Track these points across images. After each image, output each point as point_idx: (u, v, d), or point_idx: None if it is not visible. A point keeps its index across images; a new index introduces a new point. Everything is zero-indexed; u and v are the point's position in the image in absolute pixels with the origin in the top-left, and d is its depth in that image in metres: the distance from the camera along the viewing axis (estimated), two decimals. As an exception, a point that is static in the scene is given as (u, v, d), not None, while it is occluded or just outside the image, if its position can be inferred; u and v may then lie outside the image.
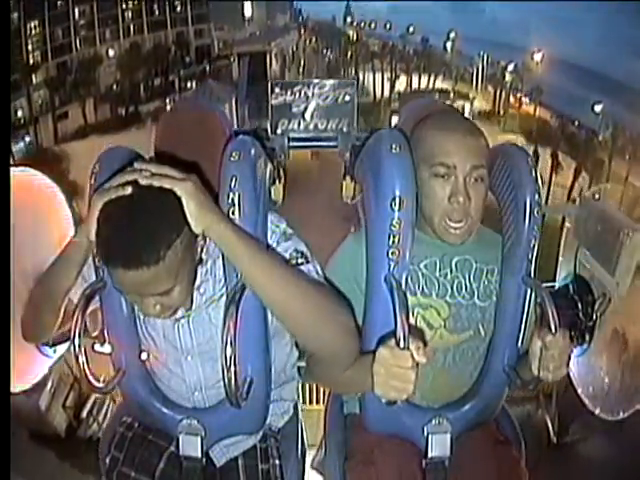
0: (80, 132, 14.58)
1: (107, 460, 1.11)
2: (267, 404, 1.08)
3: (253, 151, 0.98)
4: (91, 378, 0.98)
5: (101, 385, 1.02)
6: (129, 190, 0.82)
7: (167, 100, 16.38)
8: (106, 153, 1.02)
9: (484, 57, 19.05)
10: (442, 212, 1.03)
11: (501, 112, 18.36)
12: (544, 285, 1.04)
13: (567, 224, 1.58)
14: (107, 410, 2.16)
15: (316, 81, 1.36)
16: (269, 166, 1.11)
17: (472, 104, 18.71)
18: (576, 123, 15.10)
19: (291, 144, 1.38)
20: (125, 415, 1.17)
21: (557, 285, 1.58)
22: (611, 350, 1.37)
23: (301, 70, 20.17)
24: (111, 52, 16.92)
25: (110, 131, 14.36)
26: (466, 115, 18.11)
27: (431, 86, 20.20)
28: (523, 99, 18.00)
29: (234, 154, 0.95)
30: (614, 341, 1.37)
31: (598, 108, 14.78)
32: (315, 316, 0.90)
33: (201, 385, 1.07)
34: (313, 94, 1.36)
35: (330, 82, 1.37)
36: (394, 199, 0.97)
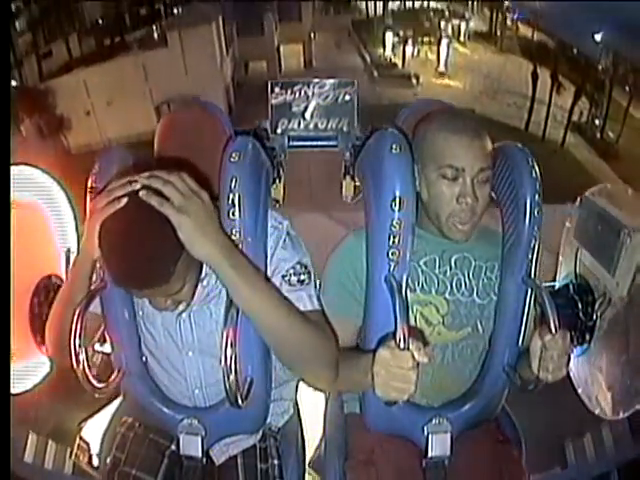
0: (65, 67, 14.06)
1: (108, 461, 1.11)
2: (267, 404, 1.09)
3: (253, 152, 0.98)
4: (91, 378, 0.98)
5: (101, 385, 1.03)
6: (123, 202, 0.81)
7: (154, 27, 15.59)
8: (105, 154, 1.02)
9: None
10: (449, 212, 1.03)
11: (498, 33, 17.66)
12: (544, 285, 1.04)
13: (567, 224, 1.57)
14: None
15: (316, 80, 1.36)
16: (269, 166, 1.11)
17: (468, 24, 18.18)
18: (575, 51, 14.66)
19: (291, 143, 1.38)
20: (125, 415, 1.17)
21: (557, 285, 1.57)
22: (611, 350, 1.37)
23: None
24: None
25: (96, 62, 13.71)
26: (462, 34, 17.92)
27: (425, 5, 19.64)
28: (520, 23, 17.43)
29: (234, 155, 0.95)
30: (614, 341, 1.36)
31: (598, 37, 14.48)
32: (300, 350, 0.93)
33: (201, 382, 1.07)
34: (313, 93, 1.36)
35: (330, 81, 1.37)
36: (394, 199, 0.97)
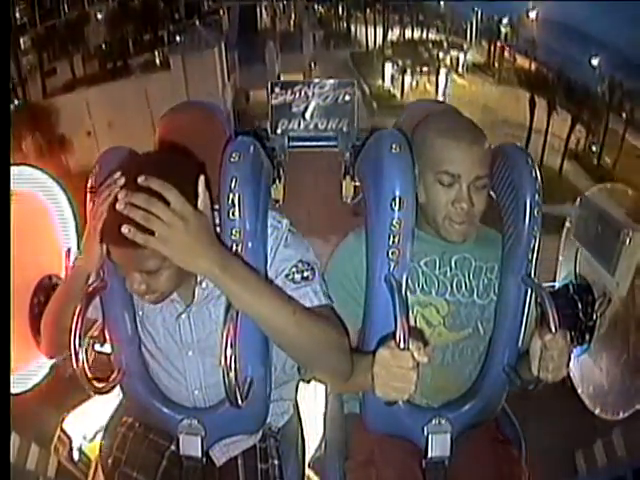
0: (68, 86, 14.36)
1: (109, 461, 1.11)
2: (267, 404, 1.08)
3: (253, 152, 0.98)
4: (91, 377, 0.98)
5: (101, 385, 1.03)
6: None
7: (156, 53, 16.22)
8: (105, 154, 1.02)
9: (478, 12, 18.84)
10: (445, 215, 1.04)
11: (495, 64, 18.17)
12: (544, 285, 1.04)
13: (567, 224, 1.58)
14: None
15: (316, 81, 1.37)
16: (269, 166, 1.11)
17: (466, 55, 18.62)
18: (571, 78, 14.94)
19: (291, 144, 1.38)
20: (125, 415, 1.17)
21: (557, 285, 1.58)
22: (611, 350, 1.37)
23: (291, 23, 20.05)
24: (99, 15, 16.62)
25: (99, 83, 14.06)
26: (460, 66, 17.96)
27: (424, 37, 20.00)
28: (517, 55, 17.76)
29: (234, 155, 0.95)
30: (614, 341, 1.37)
31: (595, 61, 14.70)
32: (312, 346, 0.91)
33: (201, 382, 1.07)
34: (313, 94, 1.36)
35: (330, 82, 1.37)
36: (394, 199, 0.97)
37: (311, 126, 1.37)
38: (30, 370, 1.38)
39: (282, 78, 15.26)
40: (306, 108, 1.37)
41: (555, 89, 14.74)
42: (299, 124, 1.37)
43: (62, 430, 1.64)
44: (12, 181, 1.22)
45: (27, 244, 1.32)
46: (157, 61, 15.97)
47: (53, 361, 1.41)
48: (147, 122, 12.25)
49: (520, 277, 1.06)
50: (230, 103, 14.11)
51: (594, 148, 14.34)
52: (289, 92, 1.36)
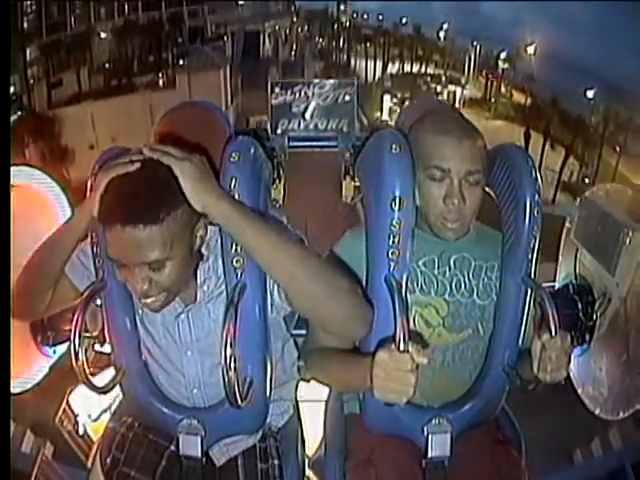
0: (74, 98, 14.60)
1: (108, 461, 1.11)
2: (267, 404, 1.08)
3: (253, 152, 0.98)
4: (90, 377, 0.98)
5: (101, 385, 1.03)
6: (134, 166, 0.85)
7: (160, 74, 16.70)
8: (106, 153, 1.02)
9: (477, 47, 19.32)
10: (438, 212, 1.03)
11: (492, 99, 18.65)
12: (544, 285, 1.04)
13: (567, 224, 1.58)
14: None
15: (316, 81, 1.37)
16: (269, 166, 1.11)
17: (463, 90, 19.09)
18: (567, 109, 15.28)
19: (291, 144, 1.38)
20: (125, 415, 1.17)
21: (557, 285, 1.58)
22: (611, 350, 1.37)
23: (293, 53, 20.58)
24: (103, 34, 16.95)
25: (104, 97, 14.37)
26: (457, 100, 18.33)
27: (423, 70, 20.41)
28: (514, 90, 18.14)
29: (234, 155, 0.95)
30: (614, 341, 1.37)
31: (590, 93, 14.95)
32: (322, 283, 0.90)
33: (200, 382, 1.07)
34: (313, 94, 1.36)
35: (330, 82, 1.37)
36: (394, 199, 0.97)
37: (311, 126, 1.37)
38: (31, 372, 1.38)
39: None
40: (306, 108, 1.37)
41: (550, 120, 15.03)
42: (299, 124, 1.37)
43: (67, 404, 1.63)
44: (12, 179, 1.22)
45: (27, 243, 1.32)
46: (164, 79, 16.42)
47: (53, 362, 1.41)
48: (151, 139, 12.28)
49: (520, 277, 1.06)
50: (232, 127, 14.20)
51: (587, 180, 14.75)
52: (289, 92, 1.36)
